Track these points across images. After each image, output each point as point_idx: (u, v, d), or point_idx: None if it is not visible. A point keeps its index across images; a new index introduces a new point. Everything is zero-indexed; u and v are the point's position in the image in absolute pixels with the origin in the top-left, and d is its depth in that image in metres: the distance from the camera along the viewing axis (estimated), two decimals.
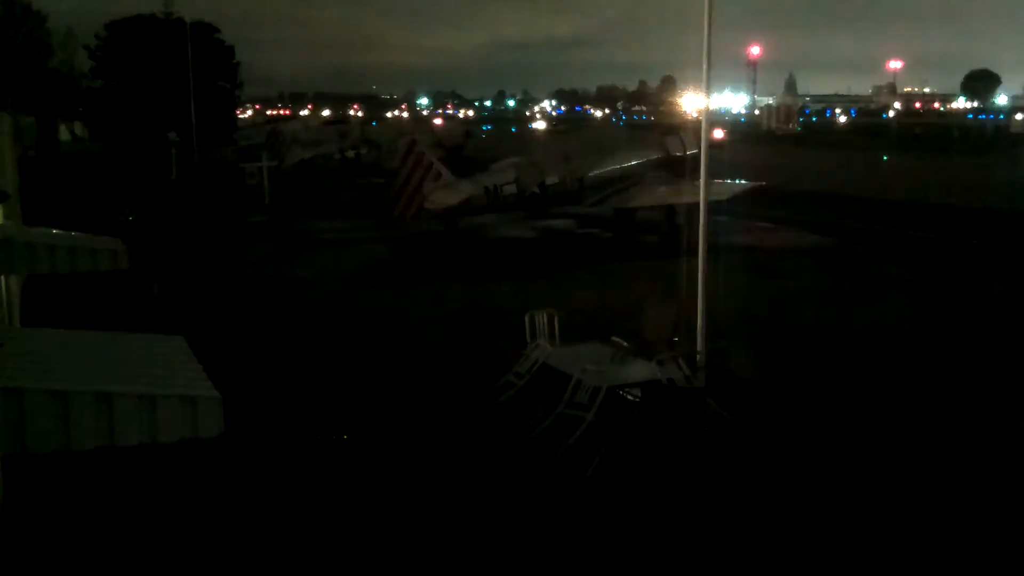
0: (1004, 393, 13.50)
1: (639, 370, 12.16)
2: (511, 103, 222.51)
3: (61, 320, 15.16)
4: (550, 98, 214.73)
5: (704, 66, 12.52)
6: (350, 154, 62.50)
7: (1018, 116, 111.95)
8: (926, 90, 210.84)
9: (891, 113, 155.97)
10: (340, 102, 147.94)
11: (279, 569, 8.89)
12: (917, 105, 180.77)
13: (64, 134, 70.09)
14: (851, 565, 8.86)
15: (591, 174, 29.39)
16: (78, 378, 6.95)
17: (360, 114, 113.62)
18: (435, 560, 8.96)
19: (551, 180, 29.17)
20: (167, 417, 6.70)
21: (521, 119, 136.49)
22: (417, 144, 29.97)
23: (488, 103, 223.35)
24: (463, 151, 55.84)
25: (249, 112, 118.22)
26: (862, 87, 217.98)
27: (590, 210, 29.86)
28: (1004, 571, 8.89)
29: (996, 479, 10.55)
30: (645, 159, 31.04)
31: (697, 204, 13.04)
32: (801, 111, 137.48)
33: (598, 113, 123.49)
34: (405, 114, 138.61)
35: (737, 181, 27.64)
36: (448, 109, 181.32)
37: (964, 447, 11.45)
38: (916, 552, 9.02)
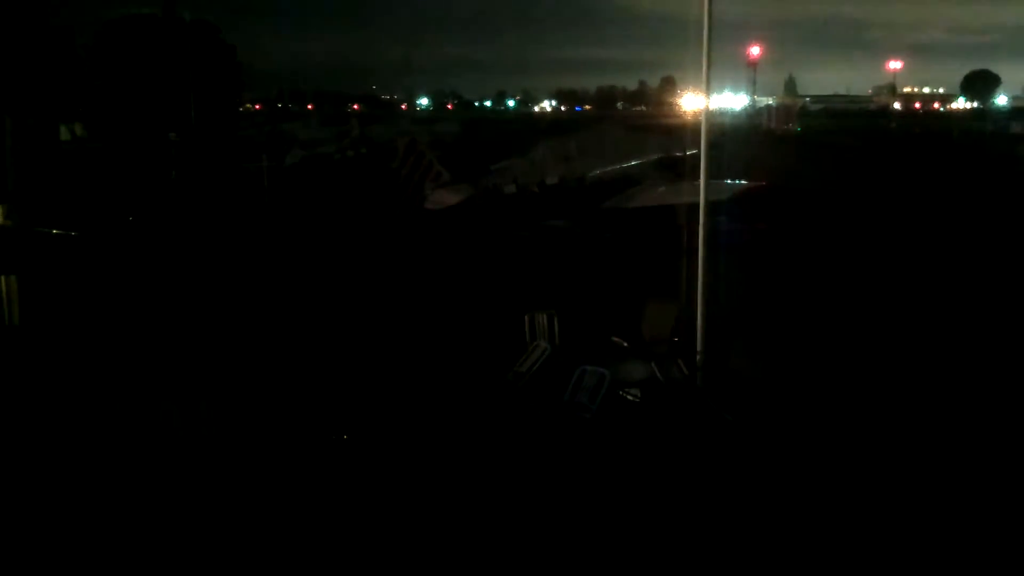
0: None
1: (639, 370, 12.19)
2: (511, 103, 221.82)
3: (61, 319, 15.20)
4: (550, 98, 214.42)
5: (704, 66, 12.53)
6: (350, 153, 62.46)
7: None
8: (926, 90, 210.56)
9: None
10: (340, 102, 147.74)
11: (278, 569, 8.90)
12: (917, 105, 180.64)
13: (64, 134, 70.01)
14: (850, 564, 8.88)
15: (591, 174, 29.45)
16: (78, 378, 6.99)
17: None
18: (435, 558, 8.98)
19: (551, 180, 29.19)
20: (167, 417, 6.73)
21: (521, 119, 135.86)
22: (417, 144, 29.98)
23: (488, 103, 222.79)
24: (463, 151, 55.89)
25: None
26: (862, 87, 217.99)
27: (590, 210, 29.83)
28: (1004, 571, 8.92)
29: (1004, 480, 10.59)
30: (645, 159, 31.10)
31: (697, 204, 13.06)
32: (802, 111, 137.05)
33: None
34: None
35: (737, 181, 27.63)
36: (448, 109, 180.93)
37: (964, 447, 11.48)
38: (915, 552, 9.04)
